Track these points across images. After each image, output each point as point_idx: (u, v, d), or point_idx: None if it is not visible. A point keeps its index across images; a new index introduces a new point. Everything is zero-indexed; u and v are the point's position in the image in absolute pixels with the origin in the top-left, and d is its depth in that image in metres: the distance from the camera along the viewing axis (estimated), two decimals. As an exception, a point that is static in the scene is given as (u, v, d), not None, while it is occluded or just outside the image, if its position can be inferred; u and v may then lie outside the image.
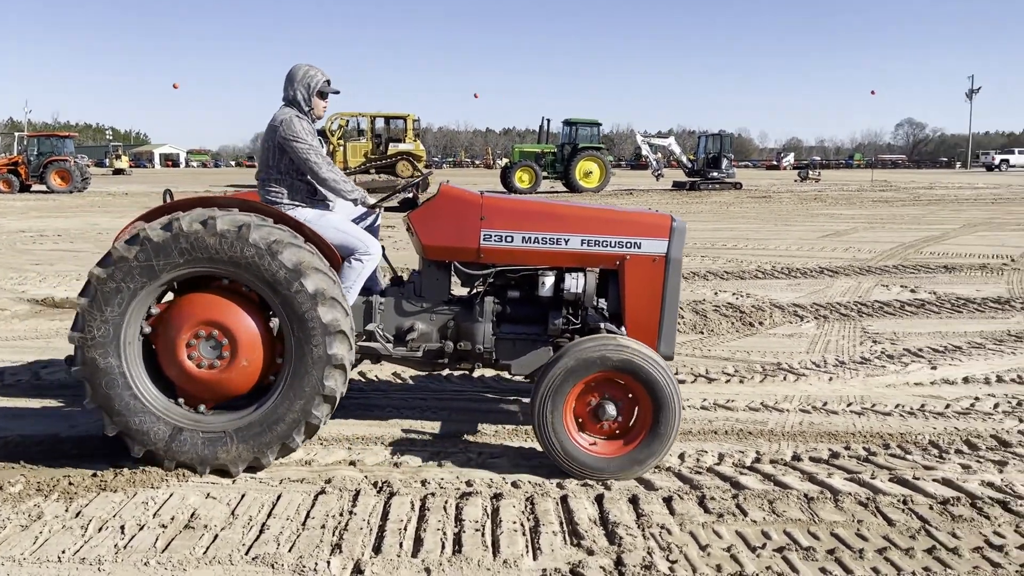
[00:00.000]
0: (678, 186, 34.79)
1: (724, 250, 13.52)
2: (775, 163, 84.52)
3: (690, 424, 4.91)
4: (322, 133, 33.42)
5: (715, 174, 34.43)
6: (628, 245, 4.36)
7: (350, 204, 4.66)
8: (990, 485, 4.02)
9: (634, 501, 3.80)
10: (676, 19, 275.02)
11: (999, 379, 5.89)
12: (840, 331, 7.51)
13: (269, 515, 3.62)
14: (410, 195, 4.69)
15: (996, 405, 5.31)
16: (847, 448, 4.55)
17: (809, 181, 44.41)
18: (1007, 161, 66.42)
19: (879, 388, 5.72)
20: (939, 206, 24.20)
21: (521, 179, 31.61)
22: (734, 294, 9.35)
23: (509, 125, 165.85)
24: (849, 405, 5.33)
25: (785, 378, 5.98)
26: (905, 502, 3.81)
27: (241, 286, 3.99)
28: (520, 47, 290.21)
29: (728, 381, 5.90)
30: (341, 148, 30.64)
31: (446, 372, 5.88)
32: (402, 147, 31.55)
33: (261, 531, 3.46)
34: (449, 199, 4.42)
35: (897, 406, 5.29)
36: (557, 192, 31.92)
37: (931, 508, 3.76)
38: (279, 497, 3.80)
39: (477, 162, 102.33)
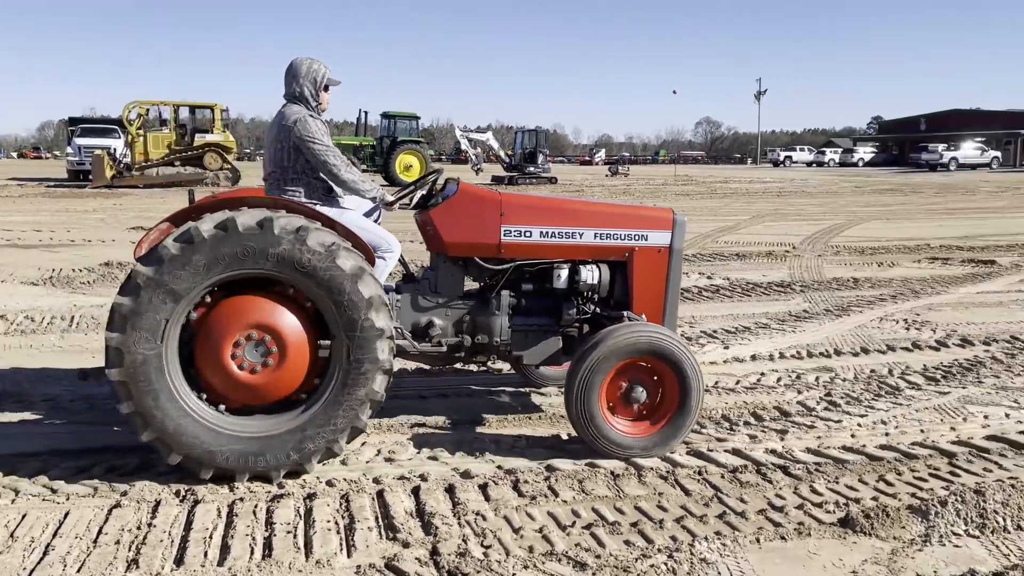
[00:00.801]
0: (497, 180, 35.40)
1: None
2: (588, 159, 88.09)
3: (506, 412, 5.02)
4: (119, 123, 31.03)
5: (532, 169, 35.34)
6: (636, 238, 4.63)
7: (359, 201, 4.64)
8: (773, 452, 4.40)
9: (450, 490, 3.83)
10: (495, 17, 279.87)
11: (781, 355, 6.48)
12: (645, 317, 7.95)
13: (55, 535, 3.32)
14: (424, 191, 4.71)
15: (779, 379, 5.83)
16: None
17: (619, 176, 46.61)
18: (790, 158, 73.06)
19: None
20: (732, 199, 26.21)
21: (339, 172, 30.92)
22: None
23: (327, 117, 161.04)
24: (652, 386, 5.66)
25: (595, 363, 6.25)
26: (700, 472, 4.10)
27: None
28: (337, 38, 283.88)
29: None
30: (141, 138, 28.51)
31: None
32: (210, 138, 29.88)
33: (45, 552, 3.17)
34: (469, 197, 4.53)
35: (695, 384, 5.69)
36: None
37: (723, 477, 4.07)
38: (67, 514, 3.50)
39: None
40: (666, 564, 3.16)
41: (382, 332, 3.81)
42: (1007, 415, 5.00)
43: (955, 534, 3.45)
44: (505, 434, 4.65)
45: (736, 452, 4.39)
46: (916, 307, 8.39)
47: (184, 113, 31.16)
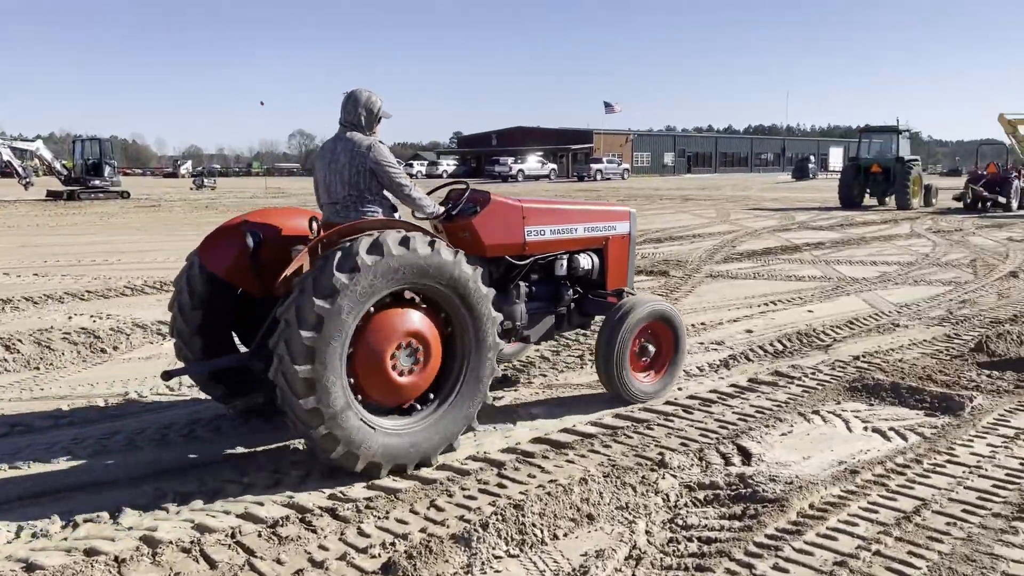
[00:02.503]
0: (54, 196, 30.84)
1: (93, 266, 12.09)
2: (172, 171, 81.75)
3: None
4: None
5: (97, 182, 31.47)
6: (609, 229, 5.76)
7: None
8: (323, 493, 3.96)
9: None
10: (59, 10, 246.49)
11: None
12: (204, 346, 7.09)
13: None
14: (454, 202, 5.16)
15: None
16: (202, 487, 4.09)
17: (205, 189, 43.80)
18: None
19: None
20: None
21: None
22: (92, 316, 8.26)
23: None
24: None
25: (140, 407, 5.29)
26: (234, 535, 3.50)
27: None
28: None
29: (23, 431, 4.94)
30: None
31: None
32: None
33: None
34: (501, 207, 5.16)
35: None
36: None
37: (260, 535, 3.51)
38: None
39: None
40: None
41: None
42: (552, 415, 5.20)
43: (496, 557, 3.31)
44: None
45: (282, 502, 3.86)
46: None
47: None
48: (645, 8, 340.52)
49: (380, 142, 4.55)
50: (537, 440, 4.70)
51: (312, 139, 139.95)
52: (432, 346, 4.28)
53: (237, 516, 3.70)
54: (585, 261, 5.63)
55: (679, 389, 5.69)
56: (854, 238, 16.19)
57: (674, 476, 4.13)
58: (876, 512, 3.70)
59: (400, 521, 3.68)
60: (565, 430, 4.87)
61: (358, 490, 4.01)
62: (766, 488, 3.89)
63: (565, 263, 5.56)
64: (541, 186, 49.13)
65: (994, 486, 3.99)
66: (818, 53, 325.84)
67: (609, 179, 58.29)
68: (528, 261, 5.35)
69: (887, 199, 26.37)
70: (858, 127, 29.69)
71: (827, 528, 3.55)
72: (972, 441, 4.61)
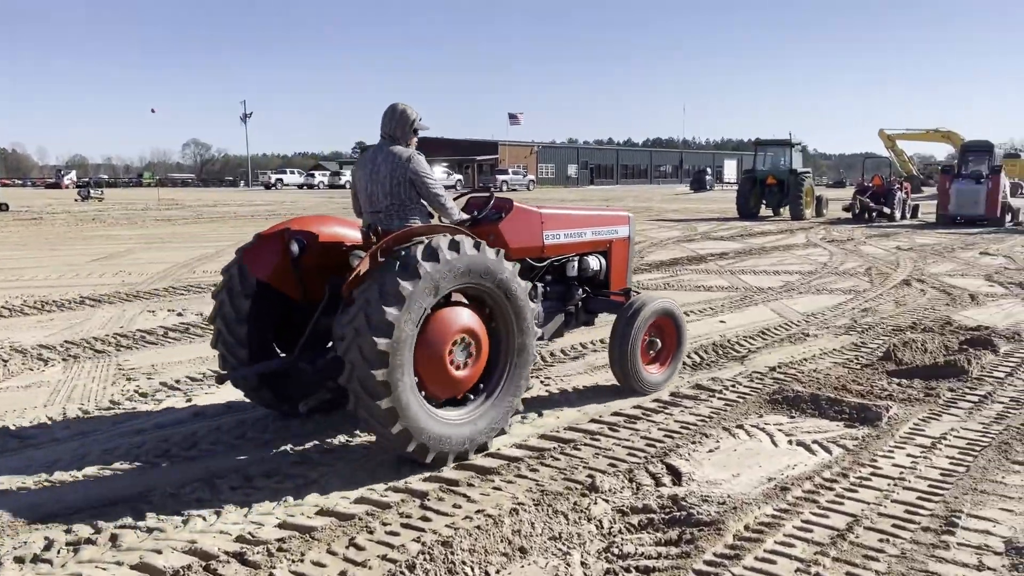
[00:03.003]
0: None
1: (-36, 285, 11.11)
2: (55, 181, 77.36)
3: None
4: None
5: (-29, 193, 29.34)
6: (612, 232, 6.24)
7: None
8: (229, 536, 3.62)
9: None
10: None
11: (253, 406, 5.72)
12: (92, 372, 6.54)
13: None
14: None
15: (243, 434, 5.07)
16: (93, 533, 3.66)
17: (92, 200, 41.53)
18: (281, 180, 73.61)
19: (124, 436, 4.97)
20: (221, 223, 24.91)
21: None
22: (-37, 341, 7.51)
23: None
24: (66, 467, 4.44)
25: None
26: (128, 590, 3.13)
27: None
28: None
29: None
30: None
31: None
32: None
33: None
34: (523, 213, 5.47)
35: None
36: None
37: (157, 589, 3.15)
38: None
39: None
40: None
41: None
42: (473, 437, 4.96)
43: (425, 602, 3.06)
44: None
45: (186, 548, 3.50)
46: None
47: None
48: (548, 21, 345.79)
49: (418, 154, 4.74)
50: (460, 466, 4.47)
51: (208, 149, 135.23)
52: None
53: (131, 567, 3.33)
54: (594, 262, 6.10)
55: (603, 405, 5.57)
56: (755, 248, 16.64)
57: (606, 501, 3.97)
58: (811, 531, 3.64)
59: (317, 564, 3.38)
60: (489, 454, 4.65)
61: (269, 530, 3.68)
62: (700, 510, 3.78)
63: (576, 264, 5.99)
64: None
65: (919, 498, 4.01)
66: (712, 68, 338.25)
67: (515, 190, 58.47)
68: (545, 263, 5.74)
69: (781, 209, 27.36)
70: (752, 140, 30.71)
71: (764, 551, 3.45)
72: (893, 452, 4.65)
